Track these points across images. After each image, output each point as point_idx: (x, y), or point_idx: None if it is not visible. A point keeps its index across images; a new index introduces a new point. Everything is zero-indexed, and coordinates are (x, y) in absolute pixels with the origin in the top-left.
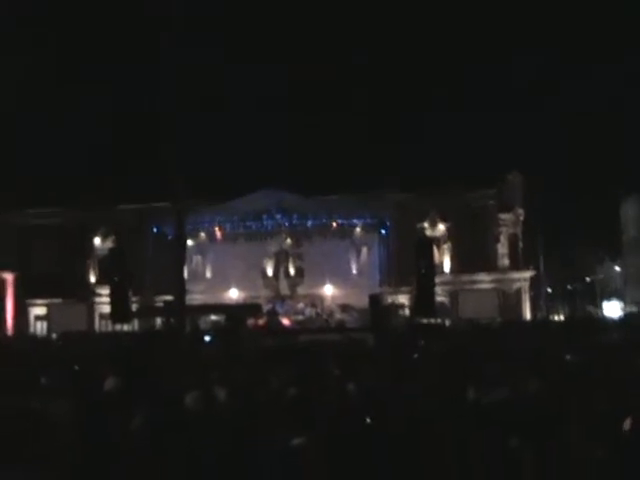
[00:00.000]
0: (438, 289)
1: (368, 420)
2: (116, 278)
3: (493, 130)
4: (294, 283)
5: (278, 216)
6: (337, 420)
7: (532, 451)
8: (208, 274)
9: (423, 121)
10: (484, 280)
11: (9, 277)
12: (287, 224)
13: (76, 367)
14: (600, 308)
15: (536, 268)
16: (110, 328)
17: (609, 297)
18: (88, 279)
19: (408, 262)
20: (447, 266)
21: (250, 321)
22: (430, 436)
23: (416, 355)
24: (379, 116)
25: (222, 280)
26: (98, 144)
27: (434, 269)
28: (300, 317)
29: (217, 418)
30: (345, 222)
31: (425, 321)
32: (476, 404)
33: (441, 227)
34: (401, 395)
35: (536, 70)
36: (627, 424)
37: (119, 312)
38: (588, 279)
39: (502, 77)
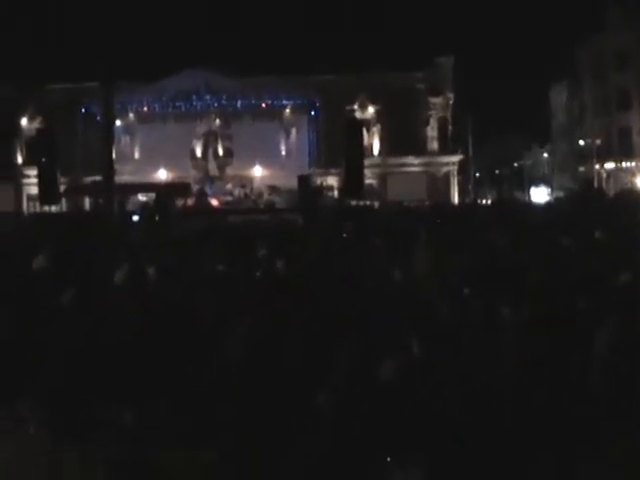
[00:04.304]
0: (367, 171)
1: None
2: (44, 159)
3: (426, 13)
4: (223, 164)
5: (207, 97)
6: (266, 297)
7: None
8: (136, 155)
9: (356, 4)
10: (413, 163)
11: None
12: (216, 105)
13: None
14: (527, 193)
15: (465, 152)
16: (38, 209)
17: (537, 183)
18: (15, 160)
19: (337, 144)
20: (376, 149)
21: (179, 201)
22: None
23: (345, 235)
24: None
25: (150, 161)
26: (26, 22)
27: (363, 151)
28: (229, 198)
29: (147, 293)
30: (274, 103)
31: (354, 203)
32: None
33: (371, 109)
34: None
35: None
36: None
37: (47, 193)
38: (516, 164)
39: None
